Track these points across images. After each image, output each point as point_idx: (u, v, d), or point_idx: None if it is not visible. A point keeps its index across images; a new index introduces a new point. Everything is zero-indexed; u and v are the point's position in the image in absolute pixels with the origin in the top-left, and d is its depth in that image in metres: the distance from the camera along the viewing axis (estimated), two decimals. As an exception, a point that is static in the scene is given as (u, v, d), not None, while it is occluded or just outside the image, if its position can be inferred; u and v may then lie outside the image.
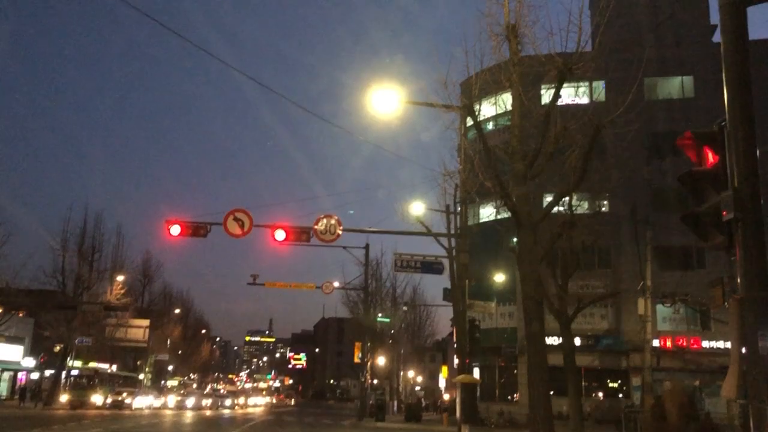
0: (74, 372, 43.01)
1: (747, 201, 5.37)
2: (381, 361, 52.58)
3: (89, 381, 41.43)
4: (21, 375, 50.15)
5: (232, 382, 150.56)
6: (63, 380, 42.45)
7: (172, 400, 50.68)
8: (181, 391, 64.20)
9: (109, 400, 39.29)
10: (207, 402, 51.58)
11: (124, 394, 41.26)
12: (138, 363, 61.02)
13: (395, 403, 51.50)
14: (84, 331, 42.37)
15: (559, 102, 13.28)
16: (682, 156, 6.71)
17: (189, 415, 37.50)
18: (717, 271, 27.00)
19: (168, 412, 41.90)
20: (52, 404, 38.70)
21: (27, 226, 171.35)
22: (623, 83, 14.25)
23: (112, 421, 26.29)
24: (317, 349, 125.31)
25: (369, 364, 46.44)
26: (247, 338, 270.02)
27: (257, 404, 67.67)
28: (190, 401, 49.70)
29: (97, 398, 38.94)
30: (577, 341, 29.16)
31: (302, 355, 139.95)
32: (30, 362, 48.54)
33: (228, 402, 55.64)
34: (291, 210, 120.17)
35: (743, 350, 5.22)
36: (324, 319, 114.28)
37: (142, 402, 43.33)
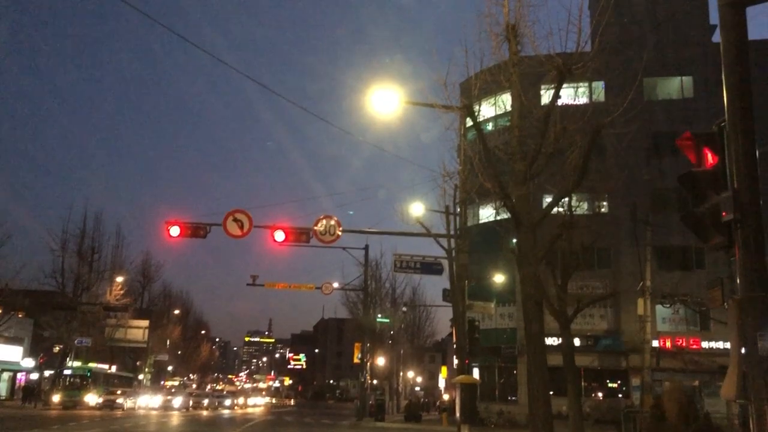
0: (67, 371, 42.62)
1: (746, 202, 5.36)
2: (380, 361, 52.55)
3: (83, 381, 41.09)
4: (20, 375, 50.09)
5: (231, 383, 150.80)
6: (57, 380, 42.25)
7: (158, 400, 46.31)
8: (172, 390, 63.29)
9: (100, 400, 38.78)
10: (206, 401, 51.23)
11: (118, 393, 40.99)
12: (138, 363, 61.02)
13: (395, 403, 51.46)
14: (83, 331, 42.42)
15: (559, 102, 13.25)
16: (681, 156, 6.70)
17: (188, 415, 37.41)
18: (716, 271, 26.99)
19: (165, 412, 41.73)
20: (50, 404, 38.58)
21: (27, 227, 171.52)
22: (623, 83, 14.26)
23: (101, 423, 25.94)
24: (317, 350, 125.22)
25: (368, 364, 46.39)
26: (247, 338, 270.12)
27: (257, 404, 67.73)
28: (177, 401, 45.76)
29: (90, 398, 38.54)
30: (577, 341, 29.17)
31: (302, 356, 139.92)
32: (29, 363, 48.52)
33: (228, 402, 55.59)
34: (290, 210, 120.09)
35: (743, 351, 5.22)
36: (323, 320, 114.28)
37: (138, 402, 43.02)
